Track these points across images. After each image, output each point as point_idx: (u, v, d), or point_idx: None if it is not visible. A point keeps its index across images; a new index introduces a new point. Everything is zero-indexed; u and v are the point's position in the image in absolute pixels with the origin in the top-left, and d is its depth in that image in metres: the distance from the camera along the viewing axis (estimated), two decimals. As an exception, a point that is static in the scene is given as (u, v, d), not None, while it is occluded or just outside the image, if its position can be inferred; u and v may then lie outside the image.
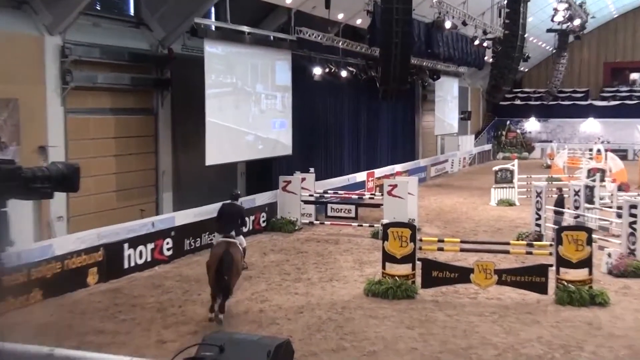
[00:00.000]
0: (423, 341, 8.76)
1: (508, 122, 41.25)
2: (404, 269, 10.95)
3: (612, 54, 42.20)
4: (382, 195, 16.54)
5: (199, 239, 14.16)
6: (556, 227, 12.12)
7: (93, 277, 11.38)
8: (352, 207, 16.95)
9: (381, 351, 8.36)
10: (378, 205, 16.62)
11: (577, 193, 15.88)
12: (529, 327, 9.38)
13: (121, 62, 14.84)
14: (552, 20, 30.56)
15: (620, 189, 18.16)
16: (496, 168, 22.15)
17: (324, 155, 22.65)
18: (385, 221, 13.08)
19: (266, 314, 9.87)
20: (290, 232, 16.45)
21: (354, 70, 22.69)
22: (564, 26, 31.88)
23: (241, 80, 16.58)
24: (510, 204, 21.20)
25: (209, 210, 14.75)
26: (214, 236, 11.17)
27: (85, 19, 13.88)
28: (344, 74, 21.88)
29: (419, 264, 10.94)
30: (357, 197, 18.26)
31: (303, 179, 17.33)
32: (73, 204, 13.26)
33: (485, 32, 25.05)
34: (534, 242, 12.94)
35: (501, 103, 37.31)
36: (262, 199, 16.64)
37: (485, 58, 28.12)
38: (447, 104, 32.47)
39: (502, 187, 21.64)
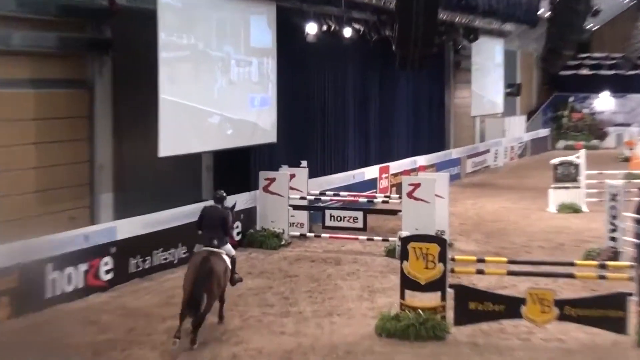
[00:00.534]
0: (457, 398, 8.73)
1: (571, 99, 41.25)
2: (431, 299, 10.93)
3: None
4: (400, 198, 16.51)
5: (149, 257, 14.11)
6: (639, 242, 12.02)
7: (3, 310, 11.29)
8: (359, 215, 16.90)
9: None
10: (395, 212, 16.61)
11: (666, 195, 15.83)
12: (601, 379, 9.36)
13: (45, 16, 14.75)
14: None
15: None
16: (556, 161, 22.13)
17: (320, 143, 22.57)
18: (404, 234, 12.94)
19: (241, 361, 9.84)
20: (274, 249, 16.43)
21: (362, 28, 22.61)
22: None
23: (204, 42, 16.48)
24: (575, 210, 21.21)
25: (165, 219, 14.68)
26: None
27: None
28: (347, 33, 21.79)
29: (450, 292, 10.91)
30: (365, 200, 18.25)
31: (292, 176, 17.30)
32: (-25, 209, 13.18)
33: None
34: (608, 263, 12.85)
35: (561, 73, 37.29)
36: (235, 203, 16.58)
37: (540, 12, 28.10)
38: (488, 75, 32.44)
39: (564, 188, 21.62)
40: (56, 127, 15.17)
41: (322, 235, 17.13)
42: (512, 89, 35.86)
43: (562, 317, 10.66)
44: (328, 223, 17.10)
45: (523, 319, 10.76)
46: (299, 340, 10.68)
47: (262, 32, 18.28)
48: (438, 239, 11.34)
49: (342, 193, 18.33)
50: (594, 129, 40.27)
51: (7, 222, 13.78)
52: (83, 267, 12.70)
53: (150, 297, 12.86)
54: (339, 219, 17.04)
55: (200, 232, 11.42)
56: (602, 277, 11.51)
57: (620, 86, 40.74)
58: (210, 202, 12.30)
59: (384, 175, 22.44)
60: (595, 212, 19.56)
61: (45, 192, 14.93)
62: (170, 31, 15.50)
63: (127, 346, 10.37)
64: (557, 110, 41.21)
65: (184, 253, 14.83)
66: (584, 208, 21.26)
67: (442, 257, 10.86)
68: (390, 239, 16.16)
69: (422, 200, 15.76)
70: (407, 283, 10.97)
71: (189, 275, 10.57)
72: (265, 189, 17.08)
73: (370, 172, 22.12)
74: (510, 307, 10.77)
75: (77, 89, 15.76)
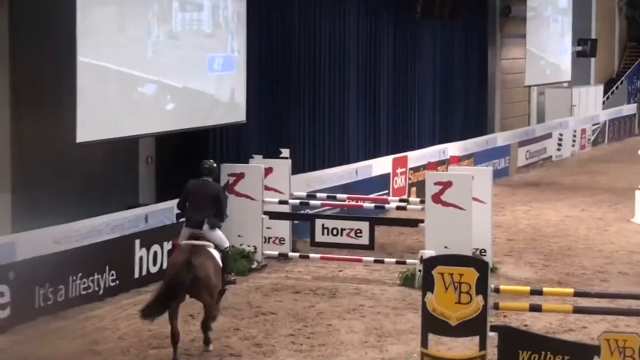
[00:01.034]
0: None
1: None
2: (465, 347, 11.00)
3: None
4: (422, 202, 16.56)
5: (62, 286, 14.06)
6: None
7: None
8: (364, 226, 16.92)
9: None
10: (415, 223, 16.70)
11: None
12: None
13: None
14: None
15: None
16: (645, 151, 22.31)
17: (309, 124, 22.60)
18: (428, 254, 12.89)
19: None
20: (242, 274, 16.40)
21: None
22: None
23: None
24: (673, 221, 21.32)
25: (85, 231, 14.66)
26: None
27: None
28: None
29: (493, 336, 10.93)
30: (373, 206, 18.31)
31: (268, 171, 17.34)
32: None
33: None
34: None
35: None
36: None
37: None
38: (548, 27, 32.54)
39: (658, 190, 21.75)
40: None
41: (311, 255, 17.17)
42: (585, 47, 35.95)
43: (652, 373, 10.74)
44: (319, 238, 17.11)
45: (596, 376, 10.84)
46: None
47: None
48: (476, 262, 11.32)
49: (339, 195, 18.26)
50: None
51: None
52: (-32, 300, 12.75)
53: (65, 343, 12.79)
54: (335, 232, 17.04)
55: (178, 212, 12.17)
56: None
57: None
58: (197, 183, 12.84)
59: (399, 170, 22.49)
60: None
61: None
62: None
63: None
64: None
65: (113, 281, 14.84)
66: (685, 218, 21.39)
67: (482, 288, 10.86)
68: (408, 261, 16.17)
69: (453, 206, 15.79)
70: (432, 324, 10.94)
71: (169, 276, 11.38)
72: (230, 189, 17.06)
73: (381, 165, 22.18)
74: (579, 357, 10.83)
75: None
